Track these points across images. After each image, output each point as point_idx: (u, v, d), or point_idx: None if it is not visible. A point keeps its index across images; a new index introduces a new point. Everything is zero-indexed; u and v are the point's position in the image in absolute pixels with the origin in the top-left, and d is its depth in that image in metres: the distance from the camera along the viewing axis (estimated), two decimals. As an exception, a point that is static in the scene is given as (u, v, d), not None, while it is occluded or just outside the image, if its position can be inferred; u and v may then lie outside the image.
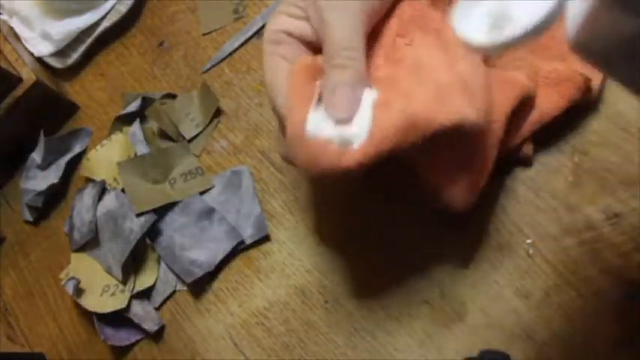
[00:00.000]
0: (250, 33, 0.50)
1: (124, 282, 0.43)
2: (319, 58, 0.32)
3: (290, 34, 0.33)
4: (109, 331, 0.43)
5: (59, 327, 0.47)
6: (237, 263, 0.43)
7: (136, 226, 0.43)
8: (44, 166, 0.51)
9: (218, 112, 0.48)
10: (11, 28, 0.57)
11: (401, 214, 0.39)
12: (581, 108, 0.37)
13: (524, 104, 0.34)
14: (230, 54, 0.50)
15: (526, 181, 0.37)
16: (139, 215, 0.43)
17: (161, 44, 0.53)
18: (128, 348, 0.43)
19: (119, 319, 0.43)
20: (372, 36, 0.33)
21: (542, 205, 0.37)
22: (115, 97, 0.53)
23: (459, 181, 0.33)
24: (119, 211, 0.44)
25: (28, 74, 0.51)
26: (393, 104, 0.30)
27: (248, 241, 0.42)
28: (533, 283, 0.35)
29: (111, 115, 0.51)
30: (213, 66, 0.50)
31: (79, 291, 0.44)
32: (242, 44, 0.50)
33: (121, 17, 0.55)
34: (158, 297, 0.43)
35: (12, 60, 0.52)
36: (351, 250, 0.40)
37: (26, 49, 0.56)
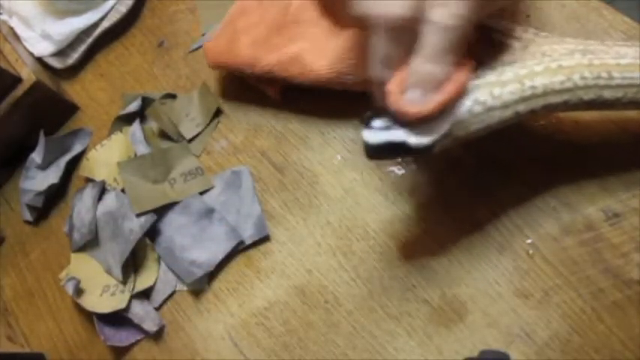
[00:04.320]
0: (250, 33, 0.50)
1: (124, 282, 0.43)
2: None
3: None
4: (109, 331, 0.43)
5: (59, 327, 0.46)
6: (237, 263, 0.43)
7: (136, 226, 0.43)
8: (44, 166, 0.51)
9: (218, 112, 0.48)
10: (11, 28, 0.57)
11: (401, 214, 0.39)
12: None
13: None
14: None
15: (526, 181, 0.37)
16: (139, 215, 0.43)
17: (161, 44, 0.53)
18: (128, 348, 0.43)
19: (119, 319, 0.43)
20: None
21: (542, 205, 0.37)
22: (115, 97, 0.53)
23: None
24: (119, 211, 0.44)
25: (28, 74, 0.50)
26: None
27: (248, 241, 0.42)
28: (533, 283, 0.35)
29: (111, 115, 0.51)
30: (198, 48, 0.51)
31: (79, 291, 0.44)
32: (242, 44, 0.50)
33: (121, 17, 0.55)
34: (158, 297, 0.43)
35: (12, 60, 0.52)
36: (351, 250, 0.40)
37: (26, 49, 0.56)
